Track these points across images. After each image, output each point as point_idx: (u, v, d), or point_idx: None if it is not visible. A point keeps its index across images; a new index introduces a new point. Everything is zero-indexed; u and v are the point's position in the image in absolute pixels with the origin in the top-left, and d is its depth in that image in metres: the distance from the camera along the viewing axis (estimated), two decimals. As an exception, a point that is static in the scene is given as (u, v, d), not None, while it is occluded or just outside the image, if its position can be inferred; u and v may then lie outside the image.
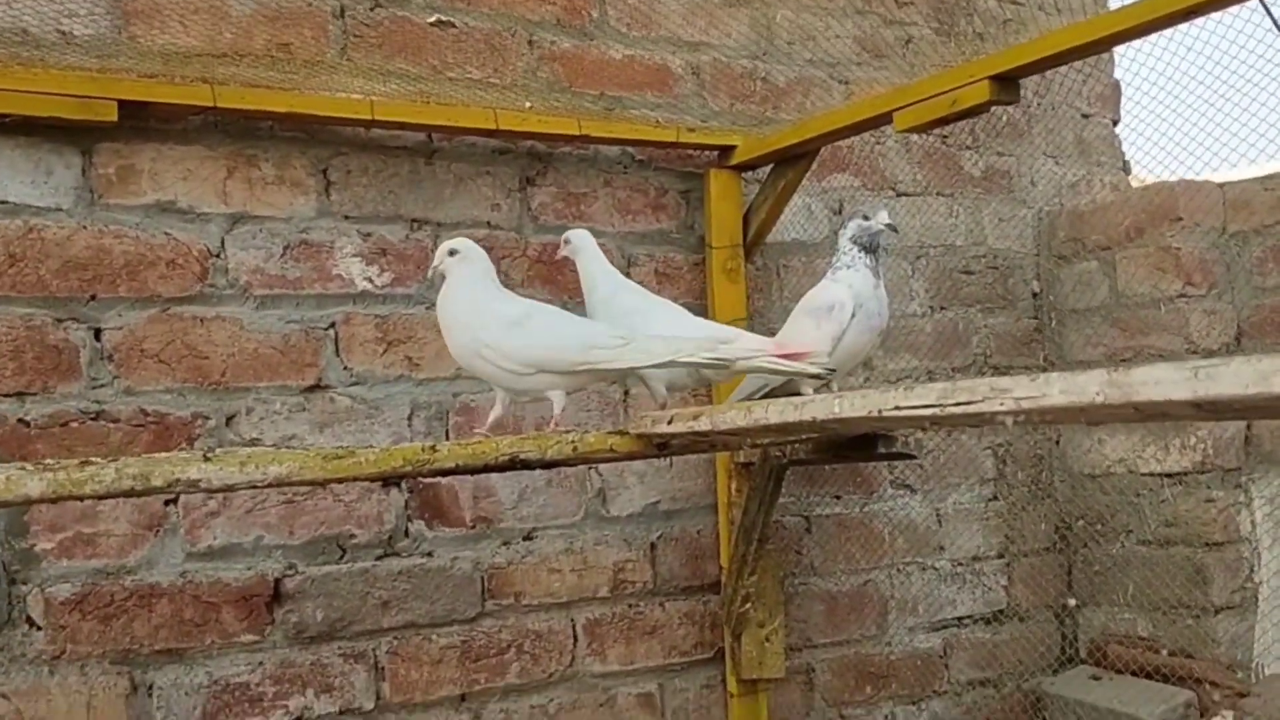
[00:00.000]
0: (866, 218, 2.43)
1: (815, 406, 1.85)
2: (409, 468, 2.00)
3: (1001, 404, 1.54)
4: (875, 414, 1.74)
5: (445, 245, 2.23)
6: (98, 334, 2.37)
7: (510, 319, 2.19)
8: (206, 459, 1.82)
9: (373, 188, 2.66)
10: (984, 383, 1.57)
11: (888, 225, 2.44)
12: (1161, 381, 1.33)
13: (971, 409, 1.58)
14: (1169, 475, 3.36)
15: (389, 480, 2.55)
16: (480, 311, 2.19)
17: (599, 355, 2.19)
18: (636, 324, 2.26)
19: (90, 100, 2.27)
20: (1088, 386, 1.41)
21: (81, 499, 1.77)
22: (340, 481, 1.98)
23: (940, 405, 1.63)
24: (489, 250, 2.71)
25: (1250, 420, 3.12)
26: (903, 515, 3.35)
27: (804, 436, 2.36)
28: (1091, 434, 3.53)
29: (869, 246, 2.44)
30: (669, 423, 2.16)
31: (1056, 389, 1.46)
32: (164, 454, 1.84)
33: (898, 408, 1.70)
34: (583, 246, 2.44)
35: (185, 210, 2.46)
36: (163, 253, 2.44)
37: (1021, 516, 3.56)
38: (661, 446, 2.24)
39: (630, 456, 2.25)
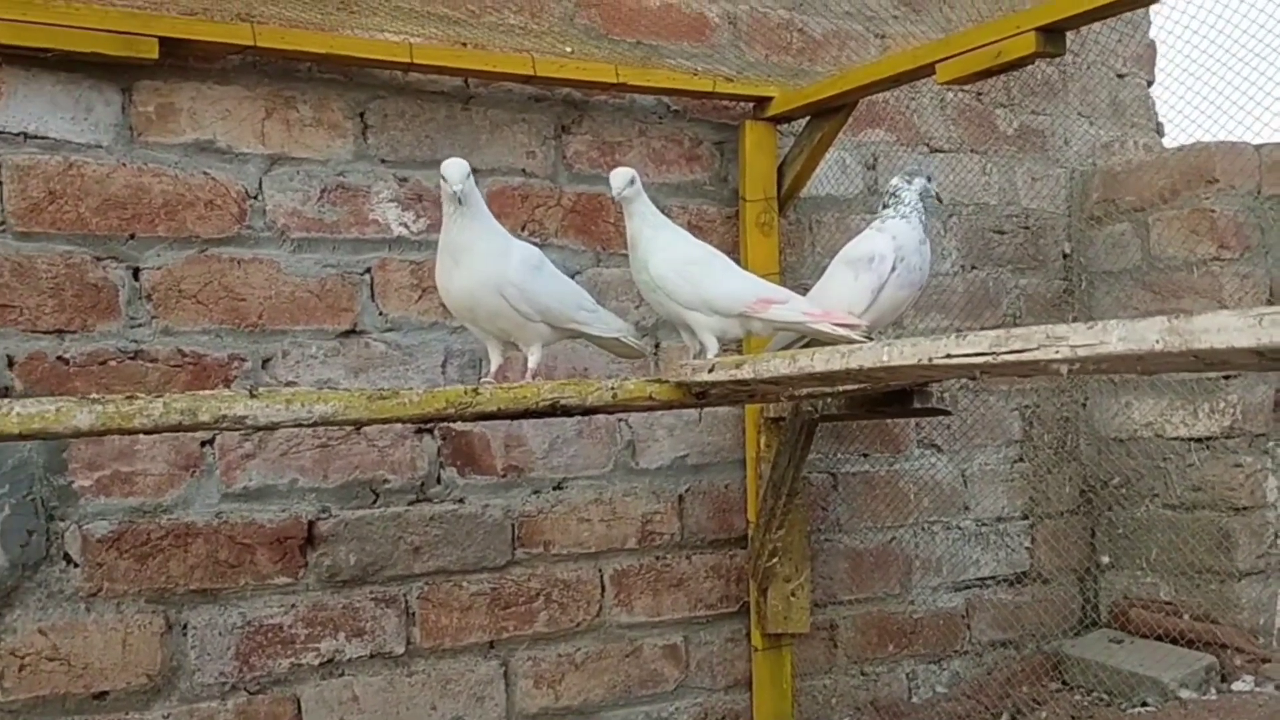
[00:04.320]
0: (929, 178, 2.44)
1: (863, 354, 1.84)
2: (452, 410, 2.00)
3: (1057, 352, 1.52)
4: (925, 362, 1.72)
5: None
6: (136, 273, 2.37)
7: (532, 263, 2.20)
8: (253, 396, 1.82)
9: (409, 132, 2.64)
10: (1039, 330, 1.55)
11: (936, 195, 2.46)
12: (1224, 329, 1.32)
13: (1025, 357, 1.57)
14: (1196, 440, 3.35)
15: (428, 424, 2.55)
16: (509, 249, 2.19)
17: (584, 317, 2.26)
18: (694, 274, 2.24)
19: (131, 36, 2.26)
20: (1147, 334, 1.40)
21: (129, 433, 1.76)
22: (384, 422, 1.97)
23: (993, 353, 1.62)
24: (523, 199, 2.73)
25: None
26: (929, 475, 3.35)
27: (839, 390, 2.35)
28: (1119, 397, 3.51)
29: (926, 205, 2.44)
30: (710, 371, 2.15)
31: (1115, 336, 1.45)
32: (209, 391, 1.84)
33: (949, 355, 1.69)
34: (640, 189, 2.31)
35: (224, 150, 2.45)
36: (201, 193, 2.42)
37: (1046, 479, 3.55)
38: (700, 395, 2.24)
39: (669, 405, 2.26)
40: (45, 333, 2.28)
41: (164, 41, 2.28)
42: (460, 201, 2.11)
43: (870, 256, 2.41)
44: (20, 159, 2.28)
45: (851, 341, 2.20)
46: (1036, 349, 1.55)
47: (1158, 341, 1.39)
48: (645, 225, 2.29)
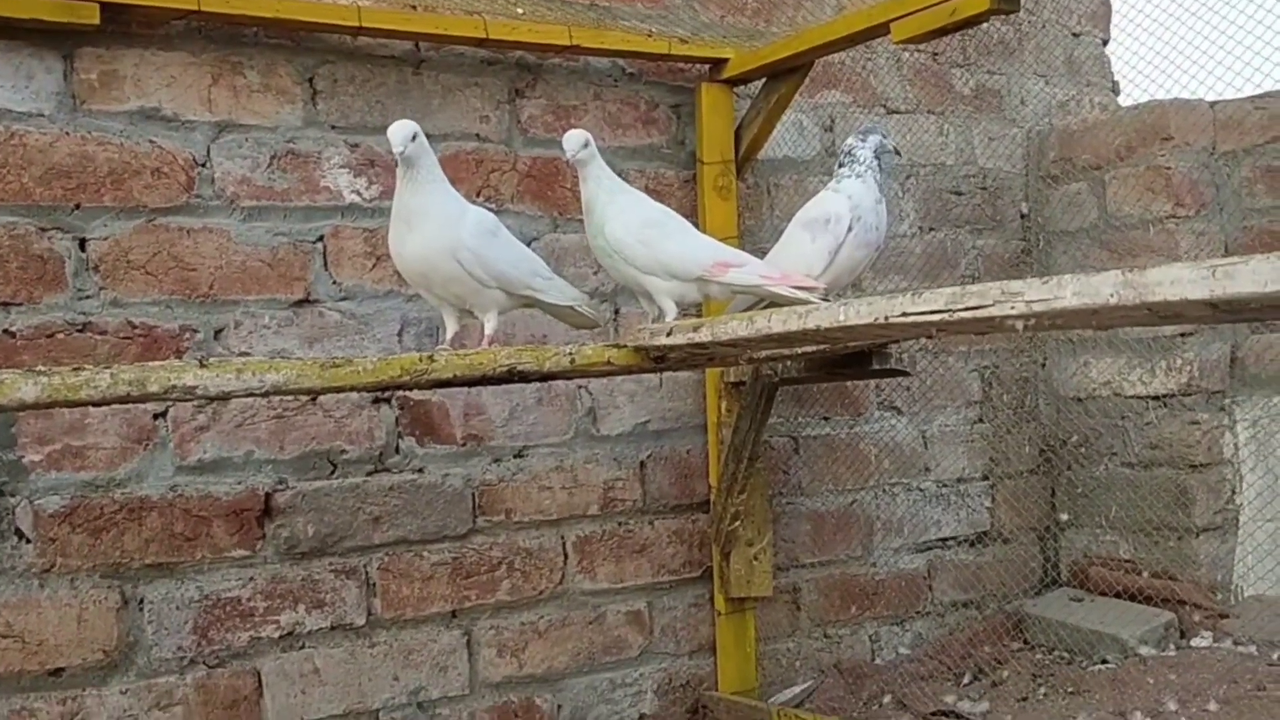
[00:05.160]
0: (884, 135, 2.42)
1: (820, 315, 1.83)
2: (406, 378, 1.98)
3: (1013, 307, 1.52)
4: (882, 320, 1.72)
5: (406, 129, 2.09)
6: (83, 244, 2.32)
7: (487, 228, 2.17)
8: (203, 366, 1.79)
9: (360, 98, 2.60)
10: (994, 286, 1.55)
11: (894, 149, 2.45)
12: (1178, 281, 1.32)
13: (981, 314, 1.57)
14: (1154, 398, 3.37)
15: (383, 393, 2.53)
16: (464, 213, 2.17)
17: (539, 284, 2.25)
18: (651, 237, 2.22)
19: (72, 2, 2.21)
20: (1101, 288, 1.40)
21: (77, 405, 1.73)
22: (338, 391, 1.95)
23: (949, 310, 1.61)
24: (478, 164, 2.70)
25: (1267, 321, 3.10)
26: (889, 437, 3.35)
27: (798, 352, 2.35)
28: (1077, 357, 3.53)
29: (881, 163, 2.43)
30: (668, 335, 2.14)
31: (1069, 291, 1.44)
32: (158, 362, 1.81)
33: (905, 314, 1.68)
34: (595, 151, 2.28)
35: (170, 118, 2.41)
36: (147, 161, 2.38)
37: (1006, 439, 3.57)
38: (659, 359, 2.22)
39: (627, 370, 2.25)
40: (-9, 305, 2.24)
41: (105, 7, 2.23)
42: (408, 165, 2.07)
43: (826, 218, 2.40)
44: (-40, 129, 2.23)
45: (809, 303, 2.20)
46: (992, 305, 1.54)
47: (1112, 295, 1.39)
48: (600, 189, 2.27)
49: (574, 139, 2.23)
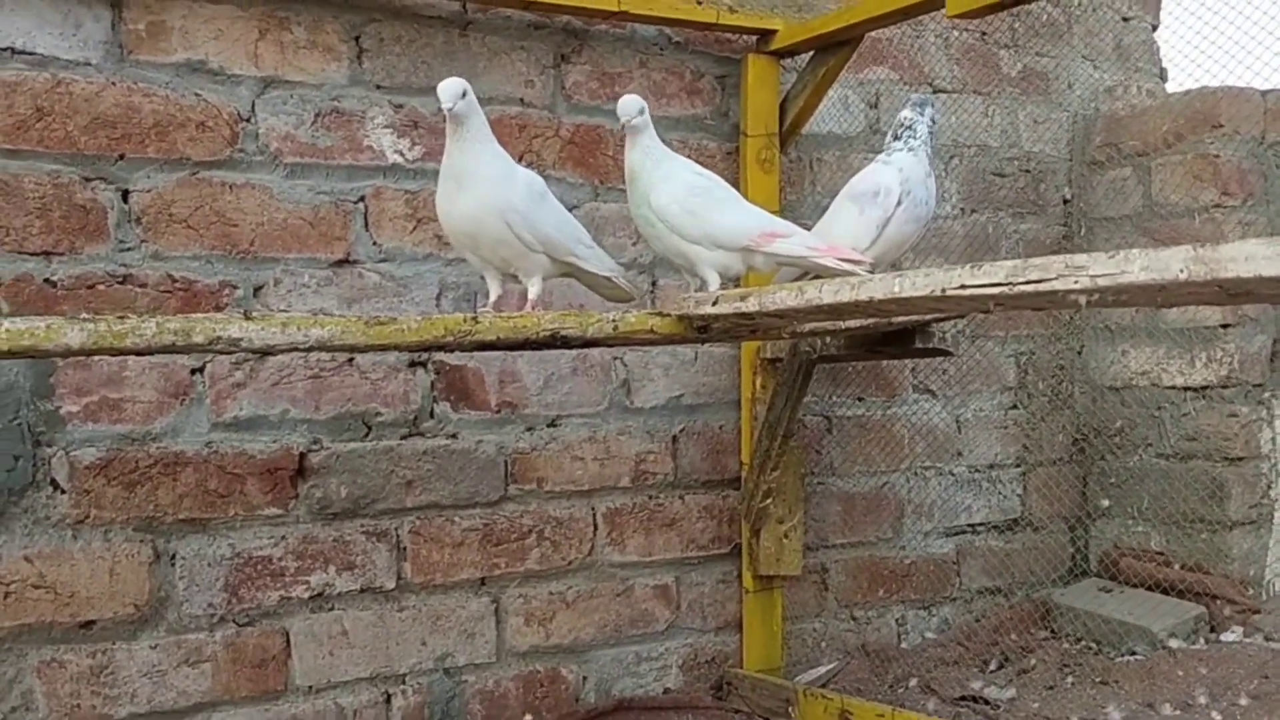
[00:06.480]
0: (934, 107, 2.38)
1: (873, 286, 1.80)
2: (450, 338, 1.95)
3: (1076, 282, 1.48)
4: (939, 293, 1.69)
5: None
6: (125, 195, 2.31)
7: (537, 190, 2.15)
8: (248, 318, 1.77)
9: (405, 57, 2.58)
10: (1058, 260, 1.52)
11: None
12: (1252, 257, 1.29)
13: (1044, 287, 1.53)
14: (1192, 389, 3.33)
15: (423, 354, 2.51)
16: (513, 174, 2.14)
17: (582, 252, 2.22)
18: (697, 206, 2.19)
19: (122, -51, 2.19)
20: (1171, 263, 1.37)
21: (121, 353, 1.72)
22: (382, 349, 1.93)
23: (1010, 283, 1.58)
24: (521, 129, 2.68)
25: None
26: (923, 420, 3.32)
27: (839, 328, 2.32)
28: (1115, 345, 3.49)
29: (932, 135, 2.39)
30: (713, 304, 2.11)
31: (1137, 265, 1.41)
32: (203, 314, 1.80)
33: (963, 286, 1.65)
34: (649, 119, 2.23)
35: (216, 71, 2.39)
36: (192, 114, 2.36)
37: (1040, 426, 3.54)
38: (702, 329, 2.20)
39: (669, 340, 2.22)
40: (32, 254, 2.22)
41: (156, -44, 2.22)
42: (458, 123, 2.05)
43: (875, 190, 2.36)
44: (7, 75, 2.21)
45: (851, 274, 2.17)
46: (1055, 279, 1.51)
47: (1182, 271, 1.35)
48: (647, 158, 2.22)
49: (630, 104, 2.18)
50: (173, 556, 2.34)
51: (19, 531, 2.21)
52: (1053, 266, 1.51)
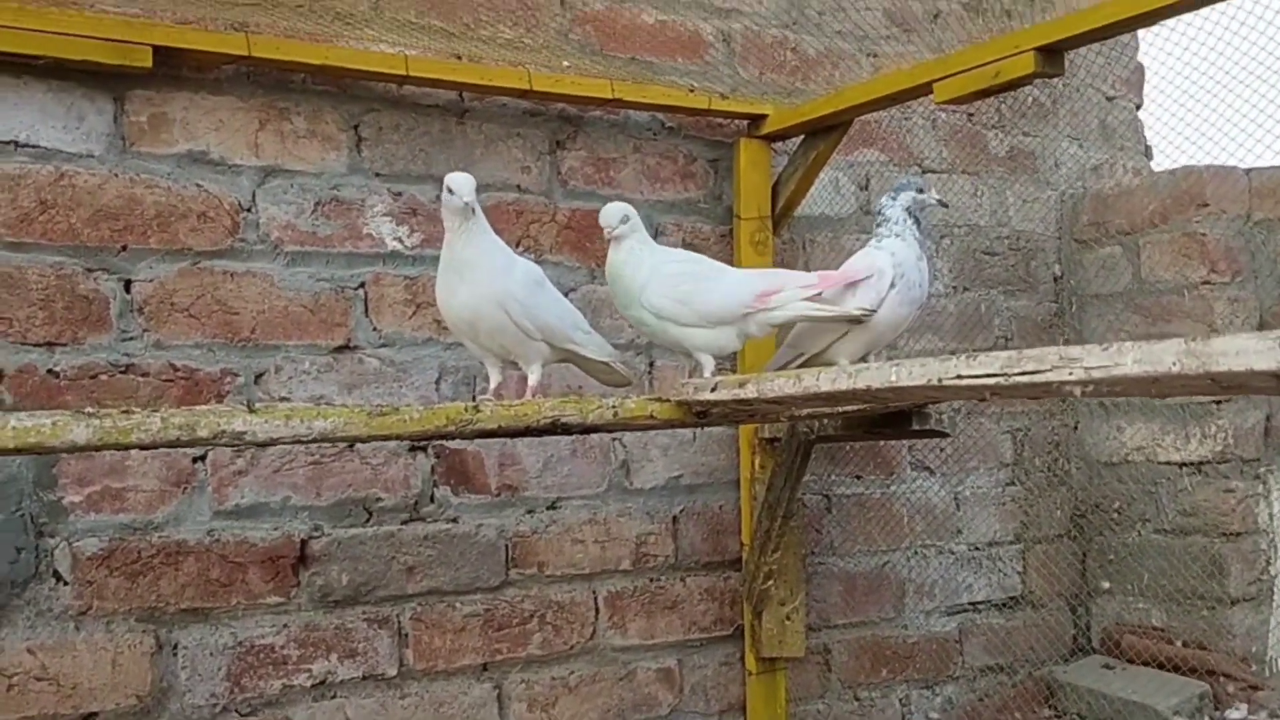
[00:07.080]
0: (921, 190, 2.39)
1: (870, 374, 1.82)
2: (452, 427, 1.96)
3: (1070, 373, 1.50)
4: (935, 383, 1.70)
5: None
6: (128, 285, 2.33)
7: (535, 279, 2.18)
8: (252, 411, 1.78)
9: (404, 145, 2.61)
10: (1052, 351, 1.53)
11: (938, 201, 2.42)
12: (1243, 351, 1.30)
13: (1038, 378, 1.55)
14: (1188, 464, 3.34)
15: (427, 441, 2.51)
16: (512, 265, 2.17)
17: (580, 338, 2.25)
18: (687, 292, 2.21)
19: (125, 45, 2.23)
20: (1164, 356, 1.38)
21: (126, 448, 1.72)
22: (384, 439, 1.94)
23: (1004, 374, 1.59)
24: (518, 215, 2.71)
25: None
26: (921, 497, 3.33)
27: (837, 411, 2.33)
28: (1110, 421, 3.51)
29: (918, 219, 2.40)
30: (712, 390, 2.13)
31: (1130, 358, 1.43)
32: (206, 406, 1.81)
33: (959, 376, 1.66)
34: (637, 223, 2.25)
35: (217, 161, 2.42)
36: (194, 204, 2.39)
37: (1038, 503, 3.54)
38: (701, 414, 2.21)
39: (669, 424, 2.24)
40: (35, 345, 2.24)
41: (158, 50, 2.25)
42: (473, 213, 2.08)
43: (869, 274, 2.38)
44: (11, 168, 2.24)
45: (852, 318, 2.27)
46: (1049, 370, 1.53)
47: (1174, 364, 1.37)
48: (630, 259, 2.23)
49: (612, 213, 2.20)
50: (175, 646, 2.33)
51: (22, 624, 2.20)
52: (1047, 358, 1.53)
